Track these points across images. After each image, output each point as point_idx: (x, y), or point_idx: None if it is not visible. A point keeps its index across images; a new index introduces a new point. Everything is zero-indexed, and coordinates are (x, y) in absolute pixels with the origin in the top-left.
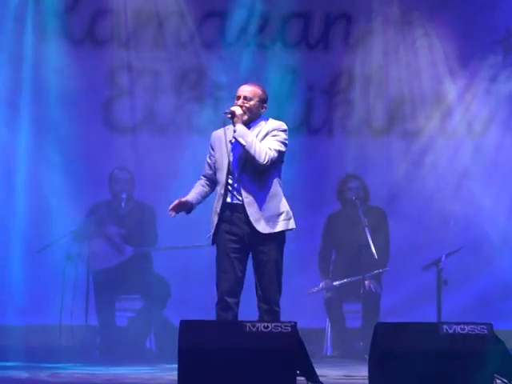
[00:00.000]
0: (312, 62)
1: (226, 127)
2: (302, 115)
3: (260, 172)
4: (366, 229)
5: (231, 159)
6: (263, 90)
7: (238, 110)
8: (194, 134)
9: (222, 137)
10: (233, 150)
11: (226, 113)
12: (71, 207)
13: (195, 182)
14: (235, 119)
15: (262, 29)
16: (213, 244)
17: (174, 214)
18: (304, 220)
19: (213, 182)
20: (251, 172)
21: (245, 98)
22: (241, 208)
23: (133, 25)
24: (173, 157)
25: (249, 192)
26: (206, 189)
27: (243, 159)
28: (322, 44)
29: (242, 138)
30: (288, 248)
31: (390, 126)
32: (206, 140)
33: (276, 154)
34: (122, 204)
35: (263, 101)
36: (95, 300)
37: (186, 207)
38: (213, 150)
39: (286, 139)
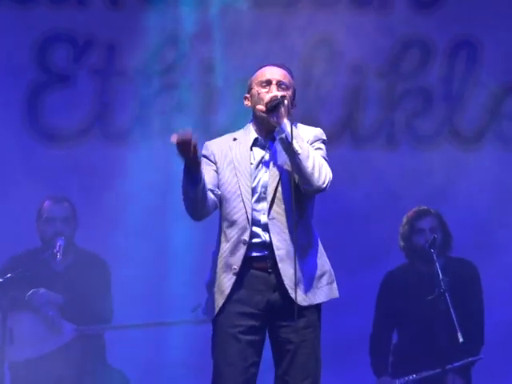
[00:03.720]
0: (360, 30)
1: (233, 137)
2: (343, 113)
3: (300, 207)
4: (447, 294)
5: (255, 185)
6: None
7: (285, 99)
8: (170, 142)
9: (229, 152)
10: (257, 170)
11: (272, 100)
12: None
13: (170, 219)
14: (281, 111)
15: None
16: (210, 318)
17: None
18: (347, 282)
19: (213, 206)
20: (289, 206)
21: (280, 84)
22: (267, 263)
23: None
24: (137, 180)
25: (282, 239)
26: (212, 198)
27: (276, 184)
28: (377, 2)
29: (297, 141)
30: (321, 326)
31: (484, 131)
32: None
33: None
34: (58, 256)
35: (294, 95)
36: None
37: (192, 151)
38: (215, 164)
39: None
